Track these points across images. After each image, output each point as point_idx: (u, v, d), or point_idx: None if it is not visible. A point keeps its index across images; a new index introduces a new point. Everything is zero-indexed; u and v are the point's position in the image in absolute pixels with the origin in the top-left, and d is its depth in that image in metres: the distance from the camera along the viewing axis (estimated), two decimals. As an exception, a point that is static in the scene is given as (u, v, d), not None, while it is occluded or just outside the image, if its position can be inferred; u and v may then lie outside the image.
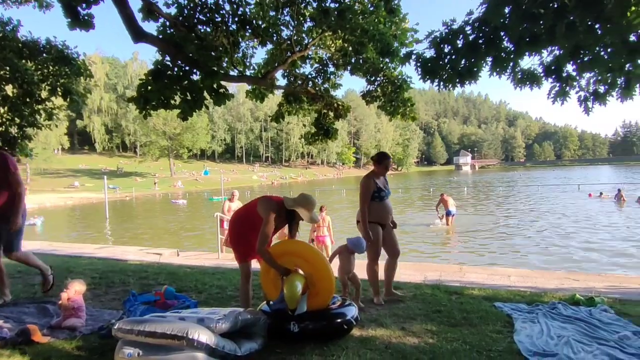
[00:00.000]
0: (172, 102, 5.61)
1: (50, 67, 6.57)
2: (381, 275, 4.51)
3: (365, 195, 4.36)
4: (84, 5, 4.25)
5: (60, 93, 6.64)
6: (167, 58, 5.38)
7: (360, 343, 3.17)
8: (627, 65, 3.54)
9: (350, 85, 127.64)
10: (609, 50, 3.25)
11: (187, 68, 5.43)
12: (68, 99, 6.74)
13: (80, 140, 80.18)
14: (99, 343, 3.21)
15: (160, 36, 5.34)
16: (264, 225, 3.40)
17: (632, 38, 3.11)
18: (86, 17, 4.34)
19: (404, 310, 4.00)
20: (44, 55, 6.50)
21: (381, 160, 4.50)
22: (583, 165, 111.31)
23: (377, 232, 4.37)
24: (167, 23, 5.46)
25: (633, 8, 2.53)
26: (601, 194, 24.57)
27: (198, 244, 13.62)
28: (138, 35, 4.72)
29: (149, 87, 5.35)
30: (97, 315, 3.88)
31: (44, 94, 6.73)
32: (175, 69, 5.39)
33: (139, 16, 4.95)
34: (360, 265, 4.33)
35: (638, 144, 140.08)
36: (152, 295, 3.90)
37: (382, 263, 4.54)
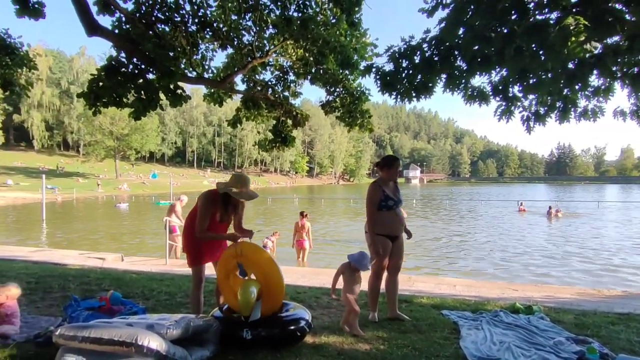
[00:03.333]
0: (125, 100, 5.41)
1: (-11, 57, 6.10)
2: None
3: (371, 205, 3.97)
4: (34, -8, 4.03)
5: (-1, 84, 6.19)
6: (122, 54, 5.19)
7: (313, 350, 3.17)
8: (566, 90, 3.86)
9: (305, 95, 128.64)
10: (549, 75, 3.51)
11: (142, 66, 5.26)
12: (8, 91, 6.30)
13: (17, 136, 74.62)
14: (34, 351, 3.01)
15: (116, 31, 5.14)
16: (199, 211, 3.42)
17: (571, 65, 3.39)
18: (36, 5, 4.12)
19: (356, 318, 4.05)
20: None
21: (391, 164, 4.07)
22: (522, 182, 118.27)
23: (385, 246, 3.97)
24: (124, 18, 5.28)
25: (573, 38, 2.75)
26: (521, 203, 27.39)
27: (144, 249, 13.06)
28: (92, 28, 4.53)
29: (101, 83, 5.13)
30: (33, 322, 3.63)
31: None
32: (130, 66, 5.21)
33: (93, 9, 4.76)
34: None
35: (570, 165, 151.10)
36: (97, 301, 3.70)
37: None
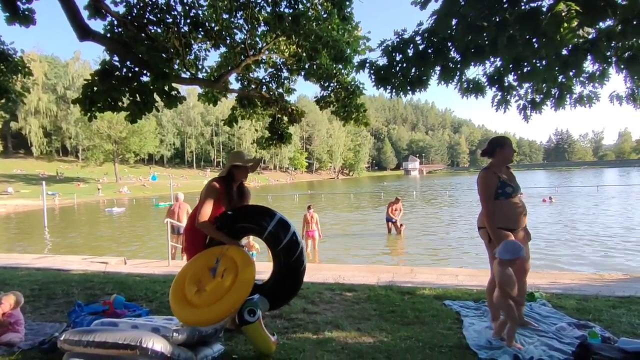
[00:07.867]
0: (120, 104, 5.39)
1: (-17, 65, 6.09)
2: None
3: (487, 193, 3.43)
4: (24, -1, 4.01)
5: (-6, 92, 6.18)
6: (115, 58, 5.18)
7: (318, 345, 3.20)
8: (560, 77, 3.86)
9: (302, 91, 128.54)
10: (544, 62, 3.51)
11: (136, 69, 5.25)
12: (4, 98, 6.29)
13: (15, 144, 74.53)
14: (40, 358, 3.02)
15: (108, 35, 5.13)
16: (202, 199, 3.25)
17: (565, 52, 3.39)
18: (26, 12, 4.10)
19: (359, 312, 4.08)
20: (-24, 51, 6.02)
21: (503, 143, 3.55)
22: (521, 170, 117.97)
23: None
24: (115, 22, 5.27)
25: (566, 24, 2.74)
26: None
27: (146, 252, 13.08)
28: (84, 33, 4.51)
29: (95, 88, 5.11)
30: (38, 329, 3.65)
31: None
32: (124, 70, 5.20)
33: (84, 14, 4.74)
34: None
35: (569, 150, 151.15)
36: (100, 305, 3.72)
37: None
